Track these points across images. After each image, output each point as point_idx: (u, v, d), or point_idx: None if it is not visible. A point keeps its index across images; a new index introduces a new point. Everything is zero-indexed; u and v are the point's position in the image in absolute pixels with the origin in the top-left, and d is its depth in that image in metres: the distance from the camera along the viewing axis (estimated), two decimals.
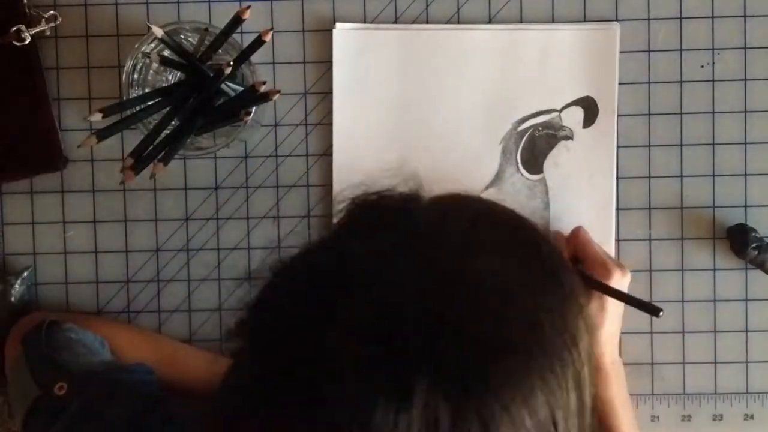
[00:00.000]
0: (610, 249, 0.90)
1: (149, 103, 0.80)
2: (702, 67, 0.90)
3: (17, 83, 0.89)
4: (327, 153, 0.91)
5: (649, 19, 0.90)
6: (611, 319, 0.83)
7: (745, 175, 0.90)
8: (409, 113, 0.90)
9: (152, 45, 0.81)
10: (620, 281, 0.83)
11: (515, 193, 0.90)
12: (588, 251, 0.85)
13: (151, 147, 0.78)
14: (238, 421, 0.50)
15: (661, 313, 0.81)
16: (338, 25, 0.90)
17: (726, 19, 0.90)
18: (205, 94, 0.80)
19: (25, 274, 0.90)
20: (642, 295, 0.90)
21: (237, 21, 0.78)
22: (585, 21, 0.90)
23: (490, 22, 0.90)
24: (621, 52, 0.89)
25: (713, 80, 0.90)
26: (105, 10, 0.90)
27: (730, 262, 0.91)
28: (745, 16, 0.90)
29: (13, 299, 0.89)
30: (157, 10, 0.90)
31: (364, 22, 0.90)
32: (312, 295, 0.52)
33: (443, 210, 0.58)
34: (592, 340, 0.77)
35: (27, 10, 0.88)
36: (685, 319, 0.91)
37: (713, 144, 0.90)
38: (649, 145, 0.90)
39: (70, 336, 0.81)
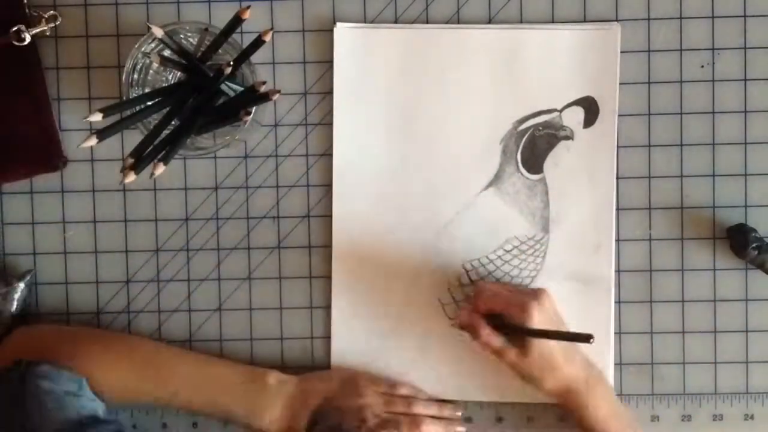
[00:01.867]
0: (610, 249, 0.90)
1: (149, 103, 0.80)
2: (702, 67, 0.90)
3: (17, 83, 0.89)
4: (327, 153, 0.91)
5: (649, 19, 0.90)
6: (555, 347, 0.83)
7: (745, 175, 0.90)
8: (409, 113, 0.90)
9: (152, 45, 0.81)
10: (539, 309, 0.83)
11: (515, 193, 0.90)
12: (499, 301, 0.84)
13: (151, 147, 0.78)
14: None
15: (591, 339, 0.80)
16: (339, 23, 0.90)
17: (726, 19, 0.90)
18: (205, 94, 0.80)
19: (28, 277, 0.90)
20: (642, 295, 0.90)
21: (237, 21, 0.78)
22: (585, 21, 0.90)
23: (490, 22, 0.90)
24: (621, 52, 0.89)
25: (713, 80, 0.90)
26: (105, 10, 0.90)
27: (730, 262, 0.91)
28: (745, 16, 0.90)
29: (15, 302, 0.89)
30: (157, 10, 0.90)
31: (364, 22, 0.90)
32: None
33: None
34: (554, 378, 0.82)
35: (27, 11, 0.88)
36: (685, 319, 0.91)
37: (713, 144, 0.90)
38: (649, 145, 0.90)
39: (41, 386, 0.80)
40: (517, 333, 0.83)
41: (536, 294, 0.84)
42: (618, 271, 0.90)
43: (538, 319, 0.82)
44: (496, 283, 0.89)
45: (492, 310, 0.85)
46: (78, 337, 0.88)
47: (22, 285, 0.89)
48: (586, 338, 0.79)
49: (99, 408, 0.82)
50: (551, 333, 0.82)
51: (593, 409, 0.85)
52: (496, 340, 0.84)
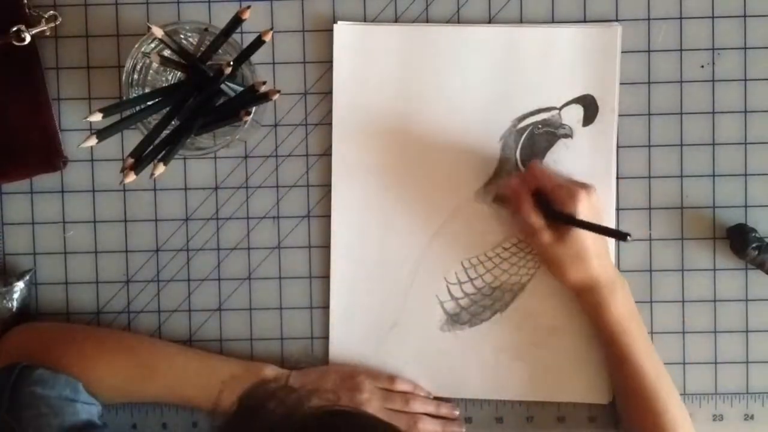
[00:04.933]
0: (610, 249, 0.90)
1: (149, 103, 0.80)
2: (702, 67, 0.90)
3: (17, 83, 0.89)
4: (327, 153, 0.91)
5: (649, 19, 0.90)
6: (590, 240, 0.84)
7: (745, 175, 0.90)
8: (408, 111, 0.90)
9: (152, 45, 0.81)
10: (587, 200, 0.83)
11: None
12: (549, 183, 0.85)
13: (151, 147, 0.78)
14: None
15: (629, 237, 0.81)
16: (339, 22, 0.90)
17: (726, 19, 0.90)
18: (205, 94, 0.80)
19: (27, 277, 0.90)
20: (642, 295, 0.90)
21: (237, 21, 0.78)
22: (585, 21, 0.90)
23: (489, 22, 0.90)
24: (621, 52, 0.89)
25: (713, 80, 0.90)
26: (105, 10, 0.90)
27: (730, 262, 0.91)
28: (745, 16, 0.90)
29: (15, 302, 0.89)
30: (157, 10, 0.90)
31: (365, 21, 0.90)
32: None
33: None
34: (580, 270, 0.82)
35: (27, 10, 0.88)
36: (685, 319, 0.91)
37: (713, 144, 0.90)
38: (649, 145, 0.90)
39: (35, 392, 0.79)
40: (559, 218, 0.84)
41: (586, 186, 0.85)
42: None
43: (582, 208, 0.83)
44: (548, 168, 0.89)
45: (540, 189, 0.85)
46: (76, 335, 0.88)
47: (21, 284, 0.89)
48: (623, 236, 0.81)
49: (95, 412, 0.82)
50: (591, 224, 0.83)
51: (612, 308, 0.85)
52: (536, 218, 0.84)
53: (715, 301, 0.91)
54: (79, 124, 0.90)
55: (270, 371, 0.87)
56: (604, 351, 0.88)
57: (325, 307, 0.91)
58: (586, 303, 0.87)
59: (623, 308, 0.86)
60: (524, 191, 0.85)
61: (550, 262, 0.86)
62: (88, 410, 0.81)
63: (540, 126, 0.90)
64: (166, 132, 0.79)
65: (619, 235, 0.82)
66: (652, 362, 0.85)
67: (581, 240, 0.83)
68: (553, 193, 0.84)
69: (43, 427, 0.78)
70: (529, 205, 0.85)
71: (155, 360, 0.87)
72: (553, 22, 0.90)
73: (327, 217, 0.91)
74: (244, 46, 0.79)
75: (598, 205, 0.85)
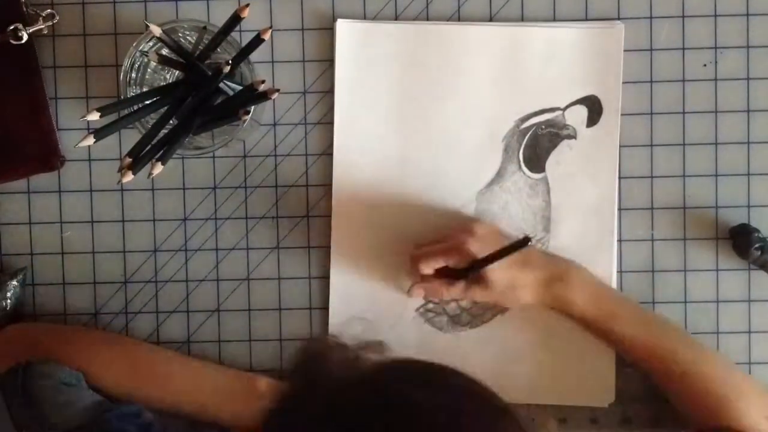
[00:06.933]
0: (612, 249, 0.89)
1: (147, 102, 0.79)
2: (705, 66, 0.89)
3: (14, 82, 0.88)
4: (326, 152, 0.90)
5: (651, 18, 0.89)
6: (505, 267, 0.83)
7: (748, 174, 0.90)
8: (410, 110, 0.89)
9: (150, 44, 0.81)
10: (475, 241, 0.83)
11: (517, 192, 0.90)
12: (436, 258, 0.84)
13: (149, 146, 0.77)
14: None
15: (530, 240, 0.80)
16: (340, 19, 0.89)
17: (729, 18, 0.89)
18: (203, 93, 0.79)
19: (21, 276, 0.89)
20: (644, 295, 0.90)
21: (236, 19, 0.78)
22: (587, 20, 0.89)
23: (491, 20, 0.90)
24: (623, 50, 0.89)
25: (716, 79, 0.89)
26: (103, 9, 0.89)
27: (732, 262, 0.90)
28: (747, 15, 0.89)
29: (9, 301, 0.88)
30: (155, 9, 0.89)
31: (365, 19, 0.90)
32: None
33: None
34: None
35: (24, 9, 0.87)
36: (687, 320, 0.90)
37: (716, 143, 0.90)
38: (652, 145, 0.90)
39: (46, 385, 0.80)
40: (468, 273, 0.83)
41: (467, 228, 0.84)
42: (620, 271, 0.90)
43: (477, 250, 0.82)
44: (426, 242, 0.87)
45: (437, 266, 0.85)
46: (74, 336, 0.88)
47: (14, 283, 0.89)
48: (524, 243, 0.80)
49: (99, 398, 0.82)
50: (490, 256, 0.82)
51: (574, 306, 0.85)
52: (458, 290, 0.85)
53: (717, 301, 0.90)
54: (76, 124, 0.90)
55: (263, 384, 0.85)
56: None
57: (325, 307, 0.91)
58: (556, 309, 0.87)
59: (583, 298, 0.85)
60: (429, 285, 0.85)
61: (500, 304, 0.88)
62: (95, 396, 0.82)
63: (543, 127, 0.89)
64: (164, 131, 0.79)
65: (519, 245, 0.80)
66: (642, 326, 0.85)
67: (499, 271, 0.83)
68: (448, 262, 0.84)
69: (69, 413, 0.78)
70: (443, 289, 0.85)
71: (154, 368, 0.86)
72: (554, 20, 0.89)
73: (327, 217, 0.90)
74: (243, 44, 0.79)
75: (486, 233, 0.84)
